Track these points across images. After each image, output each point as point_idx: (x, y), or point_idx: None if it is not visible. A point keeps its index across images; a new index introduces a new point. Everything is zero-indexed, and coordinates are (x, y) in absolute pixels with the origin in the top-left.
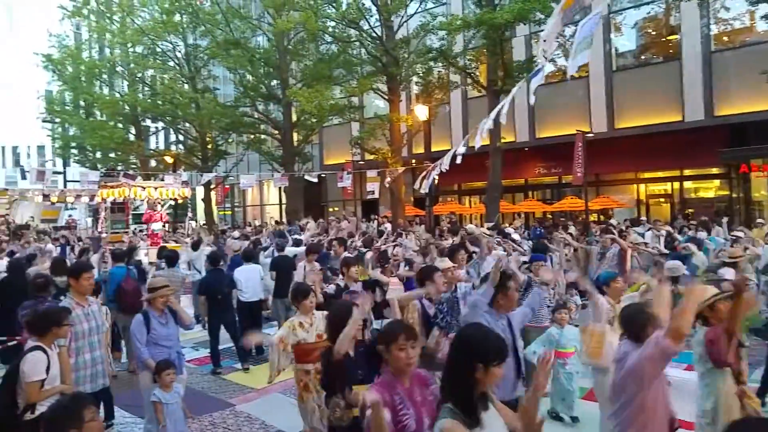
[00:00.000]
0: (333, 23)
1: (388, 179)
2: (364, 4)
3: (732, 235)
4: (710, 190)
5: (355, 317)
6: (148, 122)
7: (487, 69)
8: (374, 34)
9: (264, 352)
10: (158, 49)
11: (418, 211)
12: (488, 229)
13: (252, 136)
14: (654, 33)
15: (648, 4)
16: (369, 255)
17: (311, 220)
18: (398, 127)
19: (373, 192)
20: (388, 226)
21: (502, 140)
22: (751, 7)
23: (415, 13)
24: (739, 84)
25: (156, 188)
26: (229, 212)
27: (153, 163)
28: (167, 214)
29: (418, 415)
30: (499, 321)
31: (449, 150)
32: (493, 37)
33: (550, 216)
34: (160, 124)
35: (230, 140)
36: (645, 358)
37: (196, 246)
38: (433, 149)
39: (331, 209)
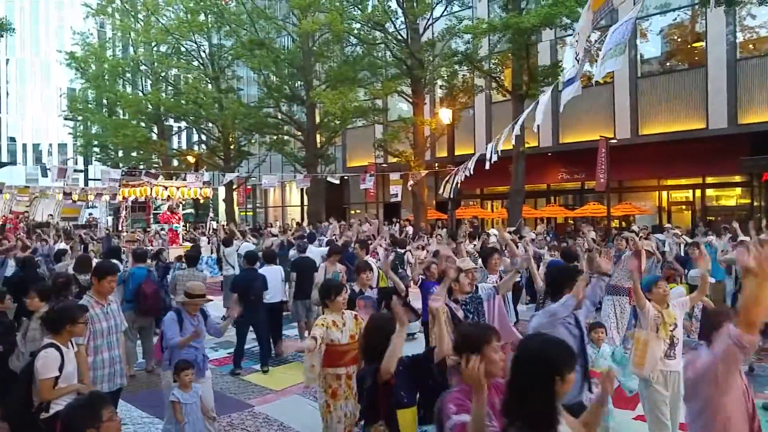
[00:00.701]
0: (358, 25)
1: (411, 182)
2: (390, 7)
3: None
4: (732, 198)
5: (401, 332)
6: (171, 122)
7: (512, 73)
8: (399, 37)
9: (284, 354)
10: (182, 49)
11: (440, 215)
12: (511, 233)
13: (275, 137)
14: (680, 40)
15: (674, 10)
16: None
17: (334, 222)
18: (422, 131)
19: (396, 195)
20: (410, 229)
21: (526, 145)
22: None
23: (440, 16)
24: (764, 92)
25: (178, 188)
26: (251, 213)
27: (175, 162)
28: (185, 214)
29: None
30: (568, 320)
31: (473, 154)
32: (518, 41)
33: (571, 222)
34: (183, 124)
35: (253, 141)
36: (716, 355)
37: (228, 242)
38: (456, 153)
39: (353, 211)
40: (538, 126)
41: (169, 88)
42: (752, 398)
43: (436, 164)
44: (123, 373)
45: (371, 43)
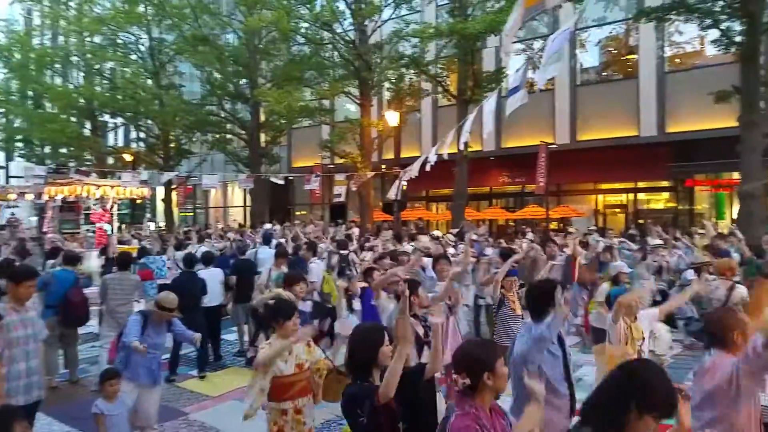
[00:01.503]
0: (306, 24)
1: (354, 183)
2: (338, 7)
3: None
4: (660, 202)
5: (403, 351)
6: (107, 118)
7: (457, 78)
8: (347, 38)
9: (222, 359)
10: (119, 41)
11: (386, 217)
12: (454, 235)
13: (217, 136)
14: (615, 52)
15: (610, 24)
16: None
17: (278, 225)
18: (369, 132)
19: (339, 195)
20: (356, 230)
21: (469, 149)
22: (701, 32)
23: (389, 19)
24: (689, 104)
25: (112, 187)
26: (191, 213)
27: (111, 160)
28: (121, 214)
29: None
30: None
31: (419, 157)
32: (464, 46)
33: (512, 223)
34: (120, 120)
35: (194, 139)
36: (741, 368)
37: (180, 246)
38: (402, 155)
39: (298, 213)
40: (481, 132)
41: (104, 82)
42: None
43: (383, 166)
44: (41, 385)
45: (319, 43)
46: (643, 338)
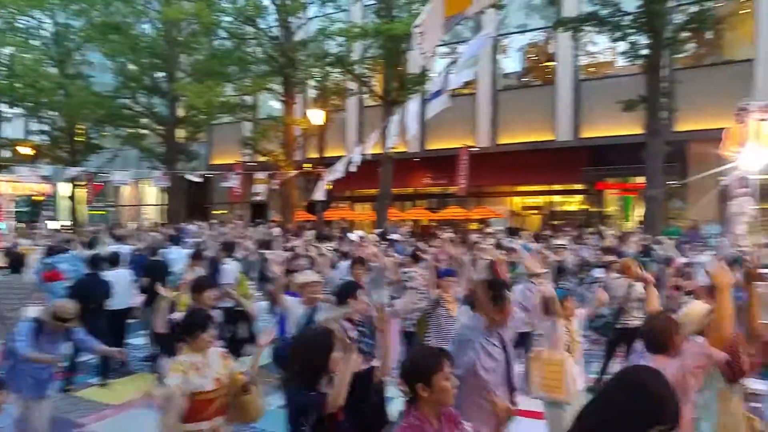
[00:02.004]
0: (229, 18)
1: (276, 182)
2: (262, 2)
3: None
4: (574, 204)
5: (349, 359)
6: (4, 107)
7: (383, 79)
8: (271, 34)
9: (127, 365)
10: (19, 24)
11: (309, 216)
12: (377, 235)
13: (131, 130)
14: (535, 58)
15: (531, 31)
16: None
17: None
18: (292, 130)
19: (258, 194)
20: (277, 230)
21: (393, 150)
22: (612, 43)
23: (314, 16)
24: (601, 111)
25: (8, 182)
26: (103, 212)
27: (7, 153)
28: (19, 212)
29: None
30: (491, 341)
31: (343, 156)
32: (389, 47)
33: (435, 224)
34: (19, 110)
35: (105, 133)
36: (687, 369)
37: (92, 244)
38: (327, 155)
39: (218, 212)
40: (405, 132)
41: (2, 68)
42: None
43: (308, 165)
44: None
45: (241, 38)
46: (579, 340)
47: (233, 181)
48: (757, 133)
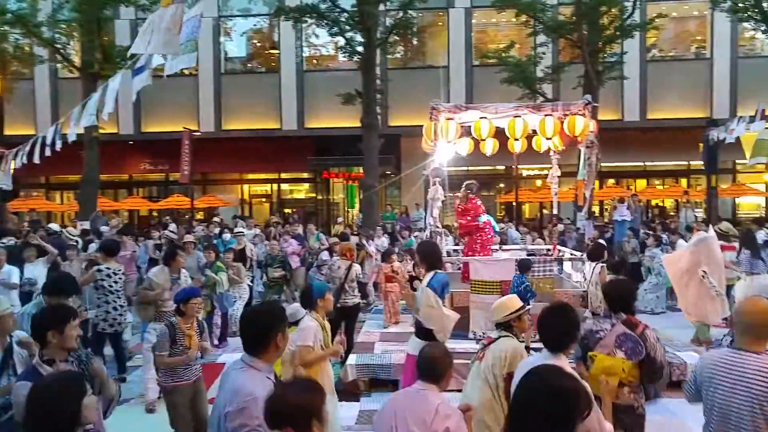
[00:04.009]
0: None
1: None
2: None
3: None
4: (302, 192)
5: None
6: None
7: (81, 48)
8: None
9: None
10: None
11: None
12: (83, 229)
13: None
14: (259, 44)
15: (254, 16)
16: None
17: None
18: None
19: None
20: None
21: (101, 131)
22: (332, 38)
23: None
24: (324, 102)
25: None
26: None
27: None
28: None
29: None
30: None
31: (33, 135)
32: (86, 11)
33: (156, 214)
34: None
35: None
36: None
37: None
38: (11, 132)
39: None
40: (116, 113)
41: None
42: None
43: None
44: None
45: None
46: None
47: None
48: (445, 130)
